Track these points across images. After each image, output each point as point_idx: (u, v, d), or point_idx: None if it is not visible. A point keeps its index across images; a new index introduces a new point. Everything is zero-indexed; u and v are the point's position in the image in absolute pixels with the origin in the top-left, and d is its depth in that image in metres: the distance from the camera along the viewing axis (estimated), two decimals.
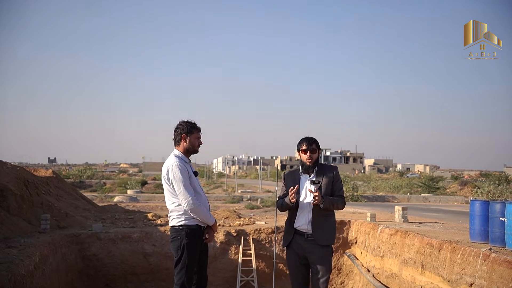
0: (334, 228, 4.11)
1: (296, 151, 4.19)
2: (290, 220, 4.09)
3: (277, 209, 4.28)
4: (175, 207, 4.06)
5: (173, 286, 4.08)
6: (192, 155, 4.24)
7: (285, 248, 4.18)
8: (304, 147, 4.04)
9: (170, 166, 4.02)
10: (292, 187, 3.92)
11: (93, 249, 9.64)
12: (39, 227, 9.03)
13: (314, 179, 4.02)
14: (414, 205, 20.23)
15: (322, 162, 4.63)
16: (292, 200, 3.92)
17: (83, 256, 9.55)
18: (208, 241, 4.20)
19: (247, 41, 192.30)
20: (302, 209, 4.01)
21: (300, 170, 4.12)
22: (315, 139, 4.10)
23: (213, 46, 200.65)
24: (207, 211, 4.11)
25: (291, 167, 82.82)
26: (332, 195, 4.02)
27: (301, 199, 4.03)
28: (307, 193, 3.98)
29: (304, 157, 4.05)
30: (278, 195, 4.38)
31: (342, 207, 4.06)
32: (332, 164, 6.70)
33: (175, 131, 4.17)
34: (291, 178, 4.15)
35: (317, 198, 3.83)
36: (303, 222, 4.00)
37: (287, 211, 4.15)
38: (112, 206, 15.55)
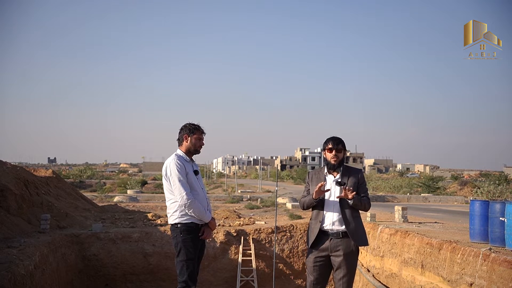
0: (363, 228, 4.02)
1: (321, 150, 4.15)
2: (316, 219, 3.99)
3: (302, 207, 4.17)
4: (172, 204, 4.15)
5: (178, 284, 4.08)
6: (194, 155, 4.34)
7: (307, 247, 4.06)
8: (330, 146, 3.99)
9: (168, 163, 4.15)
10: (321, 183, 3.85)
11: (93, 249, 9.65)
12: (39, 227, 9.03)
13: (339, 180, 3.93)
14: (414, 205, 20.23)
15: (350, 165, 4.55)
16: (315, 197, 3.86)
17: (83, 256, 9.56)
18: (204, 237, 4.21)
19: (247, 41, 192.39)
20: (328, 208, 3.93)
21: (325, 170, 4.05)
22: (341, 139, 4.05)
23: (213, 46, 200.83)
24: (202, 208, 4.12)
25: (291, 167, 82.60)
26: None
27: (326, 197, 3.95)
28: (333, 192, 3.91)
29: (329, 155, 3.98)
30: (302, 194, 4.26)
31: (368, 207, 3.98)
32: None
33: (179, 132, 4.31)
34: (316, 177, 4.08)
35: (349, 194, 3.76)
36: (329, 221, 3.91)
37: (310, 209, 4.06)
38: (112, 206, 15.56)
